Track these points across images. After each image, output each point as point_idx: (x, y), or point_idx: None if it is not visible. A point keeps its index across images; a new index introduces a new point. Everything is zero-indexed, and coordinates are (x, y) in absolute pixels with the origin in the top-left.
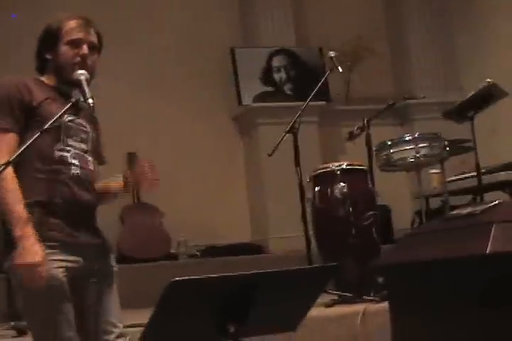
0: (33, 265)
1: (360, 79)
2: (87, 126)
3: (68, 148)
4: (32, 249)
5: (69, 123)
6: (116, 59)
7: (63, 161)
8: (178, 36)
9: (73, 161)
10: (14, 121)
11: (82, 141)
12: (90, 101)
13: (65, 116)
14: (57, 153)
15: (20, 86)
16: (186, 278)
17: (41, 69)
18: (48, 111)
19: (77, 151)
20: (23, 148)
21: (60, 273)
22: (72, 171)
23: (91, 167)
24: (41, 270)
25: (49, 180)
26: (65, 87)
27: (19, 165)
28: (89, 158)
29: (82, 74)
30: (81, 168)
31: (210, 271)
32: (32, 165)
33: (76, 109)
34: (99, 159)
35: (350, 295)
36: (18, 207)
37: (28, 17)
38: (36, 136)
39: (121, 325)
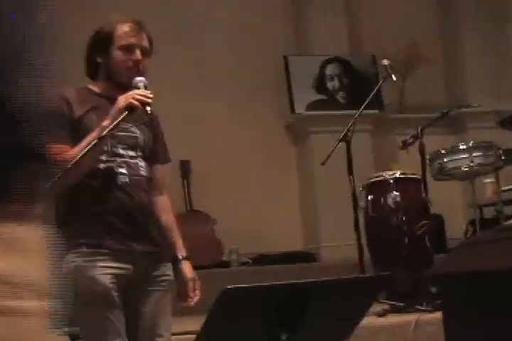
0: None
1: (413, 87)
2: (136, 131)
3: (114, 158)
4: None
5: (113, 133)
6: (169, 66)
7: (110, 172)
8: (231, 44)
9: (121, 170)
10: (62, 134)
11: (130, 147)
12: (148, 108)
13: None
14: (103, 165)
15: (60, 101)
16: (238, 286)
17: (91, 73)
18: (89, 123)
19: (124, 159)
20: (83, 153)
21: (106, 280)
22: (121, 180)
23: (143, 172)
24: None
25: (98, 193)
26: (116, 92)
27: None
28: (141, 164)
29: (141, 80)
30: (130, 175)
31: (262, 279)
32: (81, 180)
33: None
34: (161, 159)
35: (403, 304)
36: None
37: (75, 17)
38: (94, 142)
39: (168, 335)
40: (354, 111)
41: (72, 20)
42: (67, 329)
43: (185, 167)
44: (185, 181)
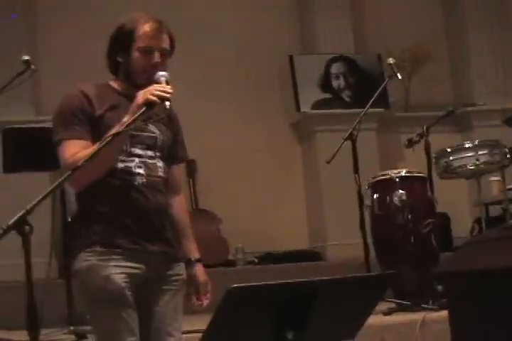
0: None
1: (419, 86)
2: (156, 131)
3: (132, 158)
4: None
5: (132, 132)
6: (174, 66)
7: (127, 172)
8: (236, 43)
9: (138, 171)
10: (84, 130)
11: (149, 147)
12: (167, 103)
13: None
14: (120, 165)
15: (81, 97)
16: (244, 284)
17: (113, 70)
18: (110, 120)
19: (142, 159)
20: (93, 152)
21: (120, 279)
22: (138, 181)
23: (161, 173)
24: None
25: (114, 192)
26: (134, 91)
27: None
28: (159, 164)
29: (163, 75)
30: (147, 176)
31: (268, 277)
32: (99, 178)
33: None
34: (179, 159)
35: (409, 303)
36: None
37: (85, 20)
38: (108, 140)
39: (179, 334)
40: (360, 110)
41: (77, 20)
42: (72, 327)
43: (191, 166)
44: (190, 180)
